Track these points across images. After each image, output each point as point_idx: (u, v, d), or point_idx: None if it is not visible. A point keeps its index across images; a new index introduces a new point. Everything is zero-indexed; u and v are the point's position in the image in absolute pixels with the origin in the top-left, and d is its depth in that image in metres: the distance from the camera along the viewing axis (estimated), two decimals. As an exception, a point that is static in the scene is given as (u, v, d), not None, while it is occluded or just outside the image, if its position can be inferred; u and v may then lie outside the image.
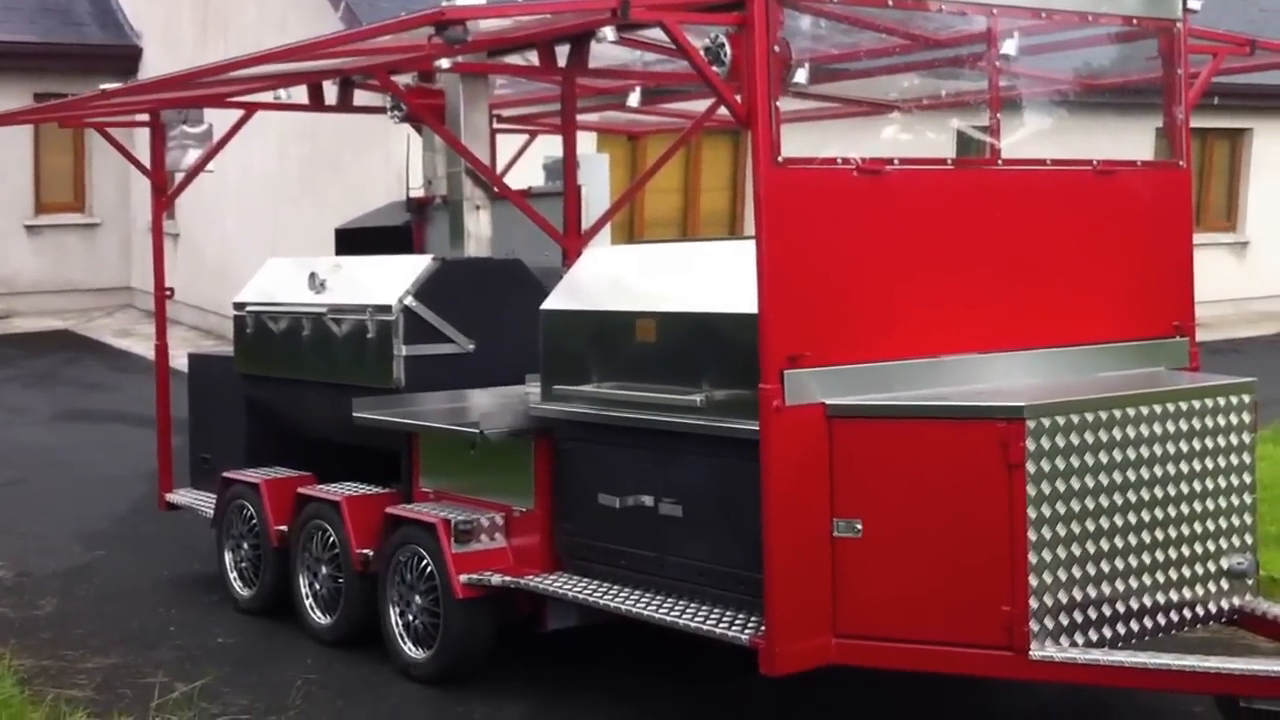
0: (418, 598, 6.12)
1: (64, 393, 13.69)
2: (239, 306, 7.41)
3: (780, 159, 4.87)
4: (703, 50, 4.94)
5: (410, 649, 6.15)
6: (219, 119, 7.90)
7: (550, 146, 7.77)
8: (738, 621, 5.09)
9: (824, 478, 4.94)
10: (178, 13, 17.02)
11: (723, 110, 5.21)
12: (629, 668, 6.19)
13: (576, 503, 5.76)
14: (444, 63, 6.21)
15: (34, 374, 14.59)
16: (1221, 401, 5.14)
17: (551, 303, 5.88)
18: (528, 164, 8.38)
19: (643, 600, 5.41)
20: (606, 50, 6.95)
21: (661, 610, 5.29)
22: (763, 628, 4.91)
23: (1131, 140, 6.23)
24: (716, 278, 5.36)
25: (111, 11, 18.70)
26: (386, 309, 6.46)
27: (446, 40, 4.97)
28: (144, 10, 18.16)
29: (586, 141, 10.46)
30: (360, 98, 7.80)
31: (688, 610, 5.26)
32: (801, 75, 6.88)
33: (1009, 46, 5.77)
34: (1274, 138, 19.51)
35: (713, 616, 5.16)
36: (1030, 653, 4.68)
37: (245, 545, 7.19)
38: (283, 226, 14.19)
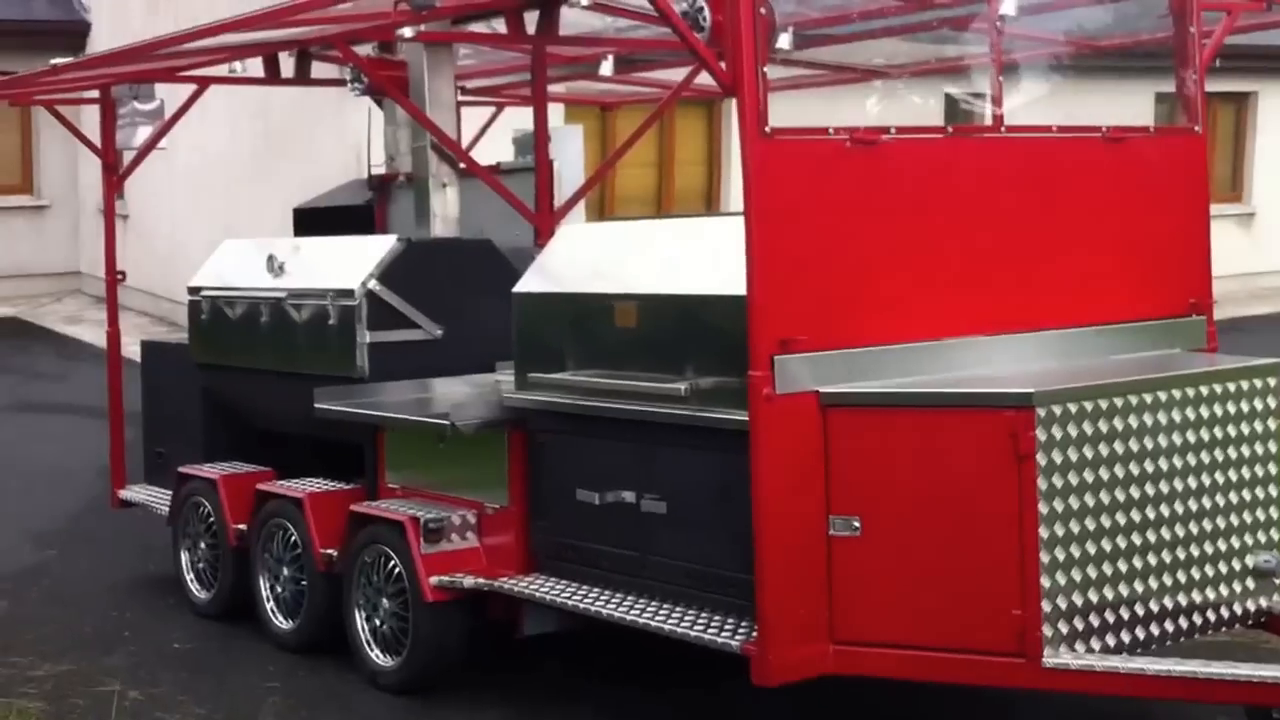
0: (385, 601, 5.77)
1: (11, 382, 13.26)
2: (193, 291, 7.03)
3: (768, 129, 4.51)
4: (680, 14, 4.57)
5: (378, 656, 5.80)
6: (171, 95, 7.50)
7: (518, 119, 7.39)
8: (727, 627, 4.75)
9: (819, 472, 4.59)
10: (126, -13, 16.55)
11: (701, 79, 4.85)
12: (611, 674, 5.85)
13: (553, 499, 5.41)
14: (406, 31, 5.82)
15: (-22, 363, 14.17)
16: (1245, 385, 4.80)
17: (524, 285, 5.52)
18: (495, 138, 7.99)
19: (625, 604, 5.08)
20: (578, 16, 6.58)
21: (645, 615, 4.95)
22: (754, 634, 4.57)
23: (1130, 105, 5.90)
24: (701, 257, 5.00)
25: (60, -13, 18.26)
26: (349, 293, 6.10)
27: (413, 6, 4.59)
28: (93, -15, 17.73)
29: (554, 114, 10.07)
30: (318, 70, 7.41)
31: (674, 614, 4.92)
32: (785, 40, 6.54)
33: (1008, 5, 5.41)
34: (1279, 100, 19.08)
35: (700, 621, 4.83)
36: (1043, 660, 4.34)
37: (203, 545, 6.84)
38: (236, 207, 13.77)
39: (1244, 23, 6.06)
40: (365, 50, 6.83)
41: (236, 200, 13.90)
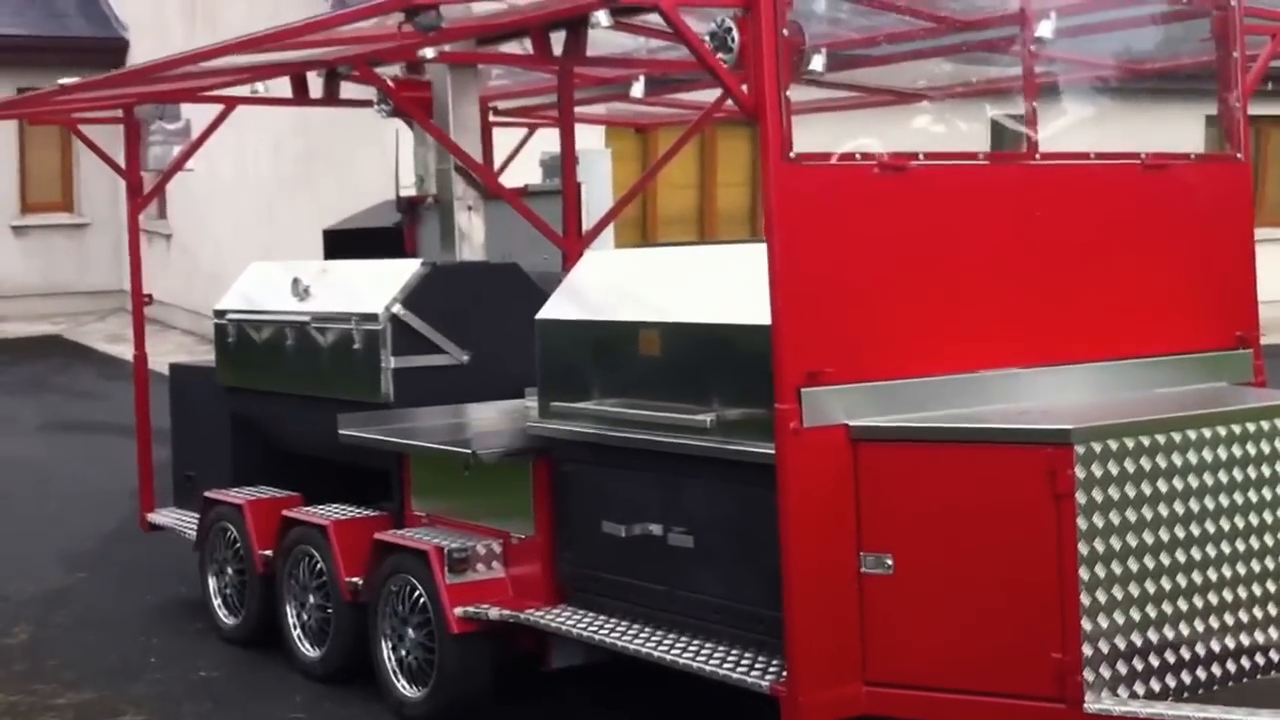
0: (411, 631, 5.68)
1: (52, 401, 13.28)
2: (219, 314, 6.99)
3: (793, 154, 4.40)
4: (708, 36, 4.47)
5: (404, 687, 5.70)
6: (203, 115, 7.44)
7: (552, 141, 7.31)
8: (758, 665, 4.63)
9: (849, 507, 4.47)
10: (165, 5, 16.59)
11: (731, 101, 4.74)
12: (640, 707, 5.74)
13: (579, 530, 5.31)
14: (428, 52, 5.74)
15: (21, 381, 14.19)
16: (1292, 422, 4.64)
17: (547, 312, 5.42)
18: (528, 160, 7.91)
19: (653, 639, 4.96)
20: (608, 36, 6.49)
21: (673, 651, 4.83)
22: (784, 673, 4.45)
23: (1175, 129, 5.76)
24: (727, 285, 4.89)
25: (97, 4, 18.30)
26: (373, 318, 6.03)
27: (418, 27, 4.52)
28: (131, 3, 17.74)
29: (593, 135, 10.00)
30: (350, 91, 7.34)
31: (702, 651, 4.80)
32: (818, 62, 6.40)
33: (1044, 28, 5.30)
34: (1330, 123, 18.77)
35: (730, 659, 4.71)
36: (1085, 705, 4.20)
37: (229, 570, 6.77)
38: (278, 227, 13.77)
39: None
40: (393, 71, 6.77)
41: (278, 220, 13.91)
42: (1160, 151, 5.11)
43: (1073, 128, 5.92)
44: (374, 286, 6.16)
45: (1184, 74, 6.03)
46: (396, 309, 5.99)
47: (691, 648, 4.83)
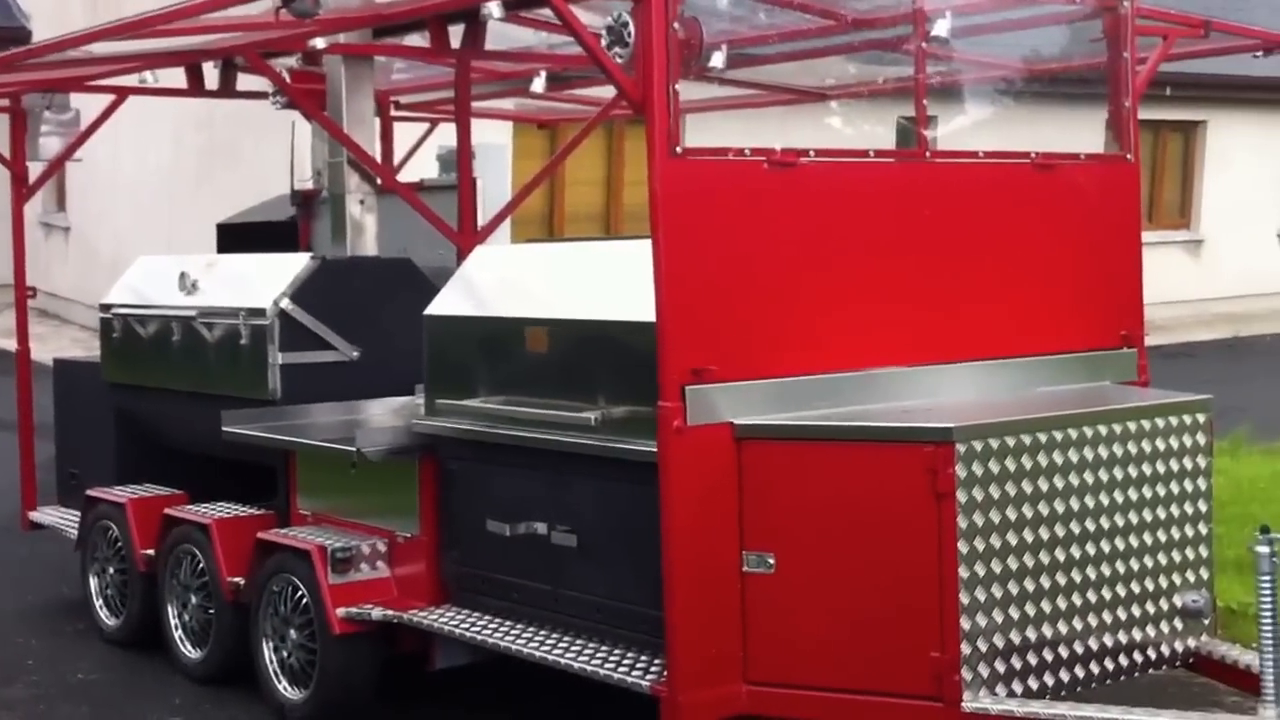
0: (293, 632, 5.56)
1: (-62, 396, 12.93)
2: (105, 309, 6.84)
3: (679, 149, 4.34)
4: (605, 30, 4.41)
5: (285, 688, 5.59)
6: (99, 106, 7.26)
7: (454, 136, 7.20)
8: (639, 665, 4.57)
9: (732, 506, 4.42)
10: (67, -7, 16.29)
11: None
12: (527, 707, 5.65)
13: (464, 529, 5.22)
14: (319, 42, 5.63)
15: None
16: (1174, 421, 4.65)
17: (436, 307, 5.33)
18: (431, 155, 7.79)
19: (536, 639, 4.88)
20: (508, 30, 6.42)
21: (555, 651, 4.76)
22: (665, 674, 4.38)
23: (1081, 133, 5.76)
24: (614, 281, 4.83)
25: (-2, -8, 17.96)
26: (260, 312, 5.90)
27: (293, 12, 4.41)
28: (33, -9, 17.44)
29: (499, 131, 9.89)
30: (250, 83, 7.20)
31: (584, 651, 4.73)
32: (718, 59, 6.38)
33: (939, 28, 5.28)
34: (1229, 130, 19.12)
35: (611, 659, 4.64)
36: (963, 704, 4.18)
37: (111, 570, 6.61)
38: (179, 220, 13.52)
39: (1181, 49, 5.94)
40: (289, 62, 6.64)
41: (179, 213, 13.66)
42: (1050, 151, 5.11)
43: (972, 129, 5.91)
44: (262, 281, 6.04)
45: (1079, 76, 6.03)
46: (285, 304, 5.88)
47: (574, 648, 4.76)
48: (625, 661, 4.60)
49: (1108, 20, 5.26)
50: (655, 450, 4.37)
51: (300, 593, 5.50)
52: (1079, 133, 6.33)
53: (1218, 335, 17.37)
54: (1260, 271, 19.36)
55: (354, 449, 5.27)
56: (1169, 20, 5.78)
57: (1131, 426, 4.54)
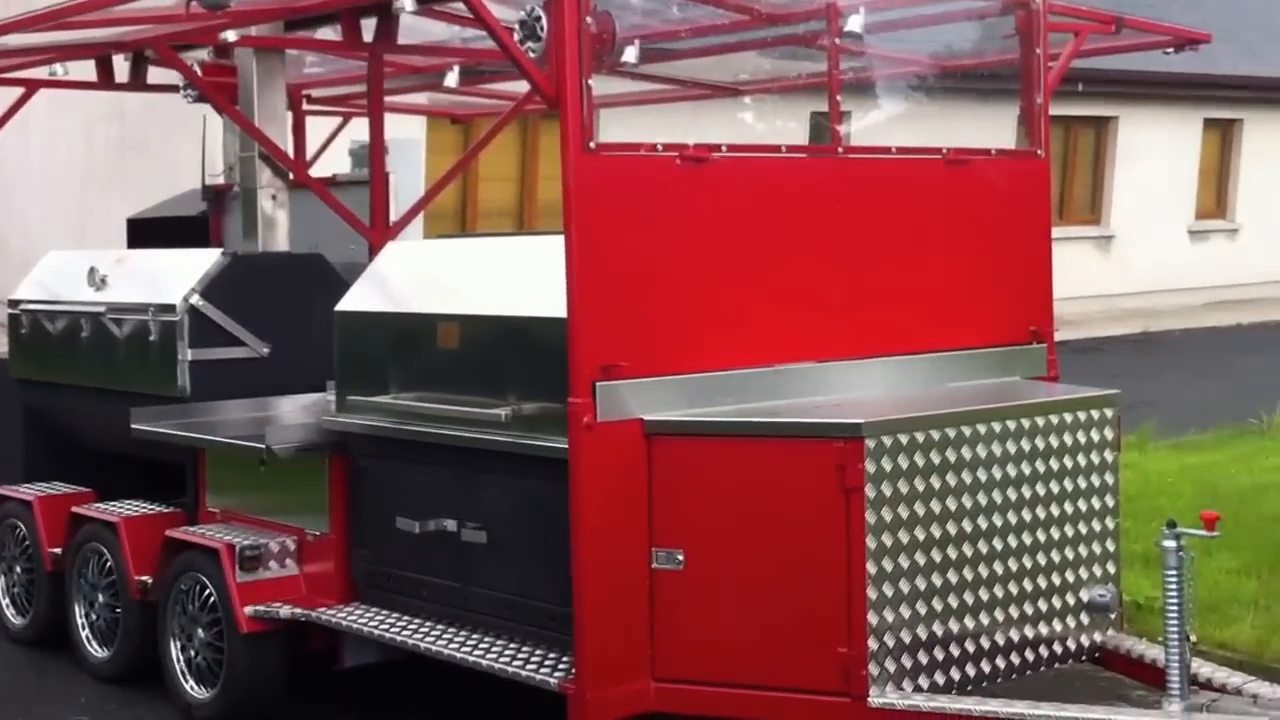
0: (200, 631, 5.49)
1: None
2: (14, 304, 6.74)
3: (593, 144, 4.32)
4: (518, 25, 4.38)
5: (192, 688, 5.52)
6: (6, 98, 7.12)
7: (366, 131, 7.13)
8: (548, 662, 4.54)
9: (642, 502, 4.41)
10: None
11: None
12: (438, 706, 5.61)
13: (374, 527, 5.17)
14: (230, 35, 5.54)
15: None
16: (1081, 416, 4.69)
17: (347, 303, 5.27)
18: (342, 150, 7.72)
19: (444, 637, 4.85)
20: (423, 25, 6.35)
21: (464, 649, 4.72)
22: (573, 671, 4.36)
23: (995, 129, 5.81)
24: (525, 277, 4.80)
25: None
26: (170, 308, 5.82)
27: (205, 6, 4.34)
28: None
29: (414, 126, 9.80)
30: (162, 76, 7.08)
31: (493, 648, 4.70)
32: (631, 54, 6.37)
33: (853, 23, 5.30)
34: (1140, 126, 19.39)
35: (520, 656, 4.61)
36: (869, 700, 4.19)
37: (18, 569, 6.50)
38: (89, 215, 13.31)
39: (1092, 45, 5.99)
40: (201, 55, 6.54)
41: (91, 208, 13.44)
42: (962, 147, 5.14)
43: (886, 124, 5.94)
44: (172, 276, 5.96)
45: (993, 72, 6.07)
46: (194, 299, 5.80)
47: (483, 645, 4.73)
48: (534, 659, 4.58)
49: (1020, 17, 5.29)
50: (565, 447, 4.35)
51: (208, 591, 5.44)
52: (993, 129, 6.40)
53: (1127, 330, 17.61)
54: (1169, 267, 19.69)
55: (263, 446, 5.21)
56: (1081, 16, 5.82)
57: (1040, 421, 4.58)
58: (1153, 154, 19.51)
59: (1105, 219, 19.48)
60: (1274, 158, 21.17)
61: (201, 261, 5.95)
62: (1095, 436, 4.74)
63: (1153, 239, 19.61)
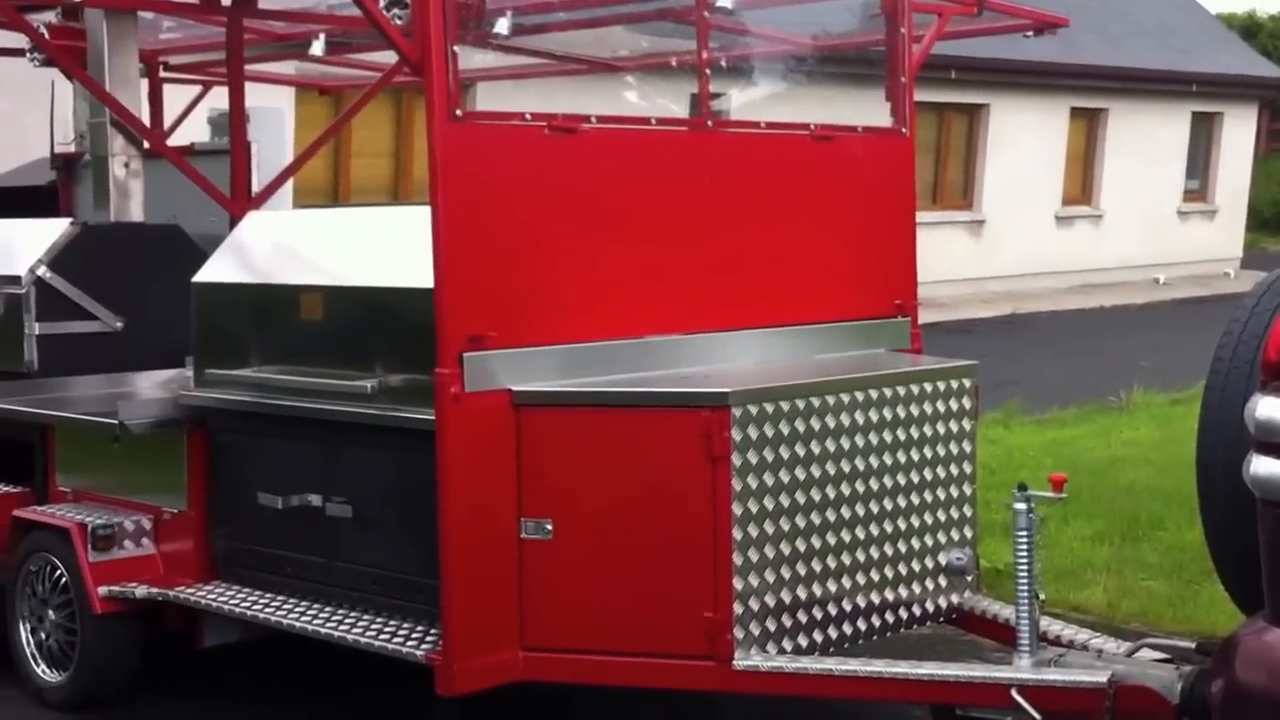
0: (51, 613, 5.34)
1: None
2: None
3: (459, 113, 4.26)
4: (388, -10, 4.31)
5: (44, 671, 5.37)
6: None
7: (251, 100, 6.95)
8: (415, 635, 4.49)
9: (510, 473, 4.37)
10: None
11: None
12: (303, 684, 5.52)
13: (235, 503, 5.06)
14: (79, -5, 5.37)
15: None
16: (941, 386, 4.76)
17: (205, 274, 5.15)
18: (202, 119, 7.53)
19: (308, 613, 4.77)
20: (288, -9, 6.23)
21: (329, 625, 4.65)
22: (440, 643, 4.32)
23: (875, 112, 5.87)
24: (390, 247, 4.74)
25: None
26: (15, 280, 5.68)
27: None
28: None
29: (279, 97, 9.61)
30: (5, 39, 6.84)
31: (359, 623, 4.63)
32: (503, 25, 6.31)
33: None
34: (1011, 113, 19.75)
35: (386, 630, 4.55)
36: (734, 662, 4.21)
37: None
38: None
39: (955, 28, 6.07)
40: (48, 18, 6.33)
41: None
42: (829, 124, 5.17)
43: (765, 103, 5.94)
44: (18, 247, 5.80)
45: (862, 54, 6.12)
46: (41, 271, 5.65)
47: (349, 620, 4.66)
48: (401, 632, 4.53)
49: (885, -3, 5.34)
50: (432, 418, 4.29)
51: (59, 572, 5.29)
52: (872, 111, 6.46)
53: (997, 313, 18.00)
54: (1037, 251, 20.14)
55: (116, 422, 5.07)
56: (945, -2, 5.90)
57: (901, 391, 4.64)
58: (1022, 141, 19.92)
59: (977, 204, 19.85)
60: (1137, 146, 21.77)
61: (49, 232, 5.78)
62: (954, 405, 4.82)
63: (1021, 224, 20.03)
